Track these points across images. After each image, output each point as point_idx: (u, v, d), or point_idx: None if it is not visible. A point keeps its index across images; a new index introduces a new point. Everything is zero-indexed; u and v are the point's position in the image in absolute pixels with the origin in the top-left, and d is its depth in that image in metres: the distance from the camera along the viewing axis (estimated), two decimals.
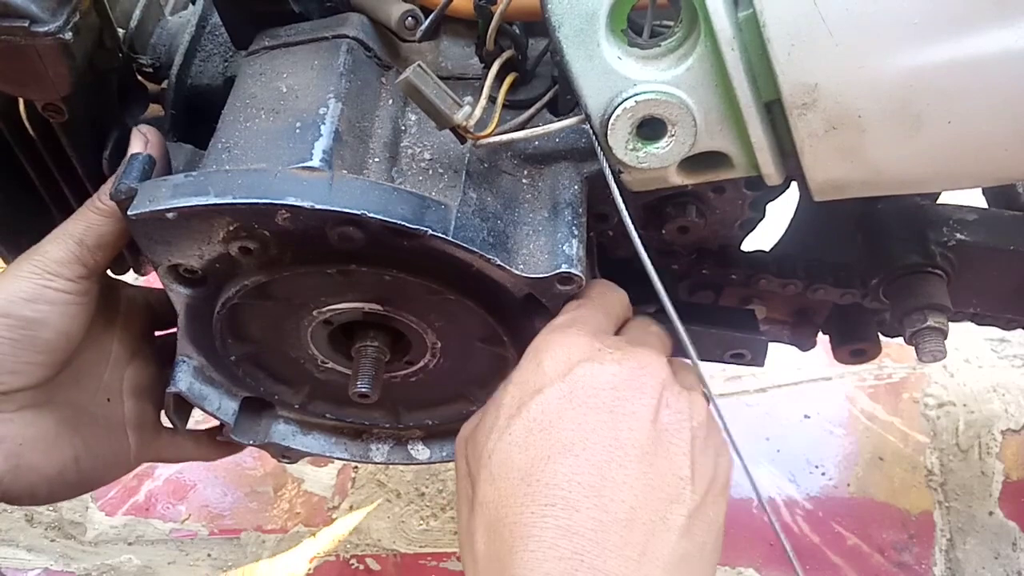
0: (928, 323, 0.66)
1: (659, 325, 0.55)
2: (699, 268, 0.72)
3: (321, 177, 0.48)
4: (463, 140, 0.52)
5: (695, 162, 0.51)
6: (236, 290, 0.54)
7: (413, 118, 0.57)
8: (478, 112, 0.51)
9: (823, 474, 1.10)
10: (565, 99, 0.57)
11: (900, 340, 0.70)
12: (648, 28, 0.49)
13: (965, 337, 1.19)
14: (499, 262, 0.50)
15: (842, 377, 1.19)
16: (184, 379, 0.61)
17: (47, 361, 0.56)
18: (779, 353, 0.83)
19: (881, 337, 0.80)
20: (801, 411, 1.16)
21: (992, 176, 0.55)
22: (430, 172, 0.54)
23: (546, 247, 0.52)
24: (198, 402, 0.63)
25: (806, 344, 0.84)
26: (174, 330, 0.60)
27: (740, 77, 0.45)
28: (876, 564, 1.01)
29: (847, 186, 0.51)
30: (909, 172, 0.49)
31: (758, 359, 0.76)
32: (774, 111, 0.47)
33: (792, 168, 0.50)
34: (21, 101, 0.61)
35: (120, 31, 0.60)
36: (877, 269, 0.69)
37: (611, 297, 0.54)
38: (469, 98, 0.51)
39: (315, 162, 0.49)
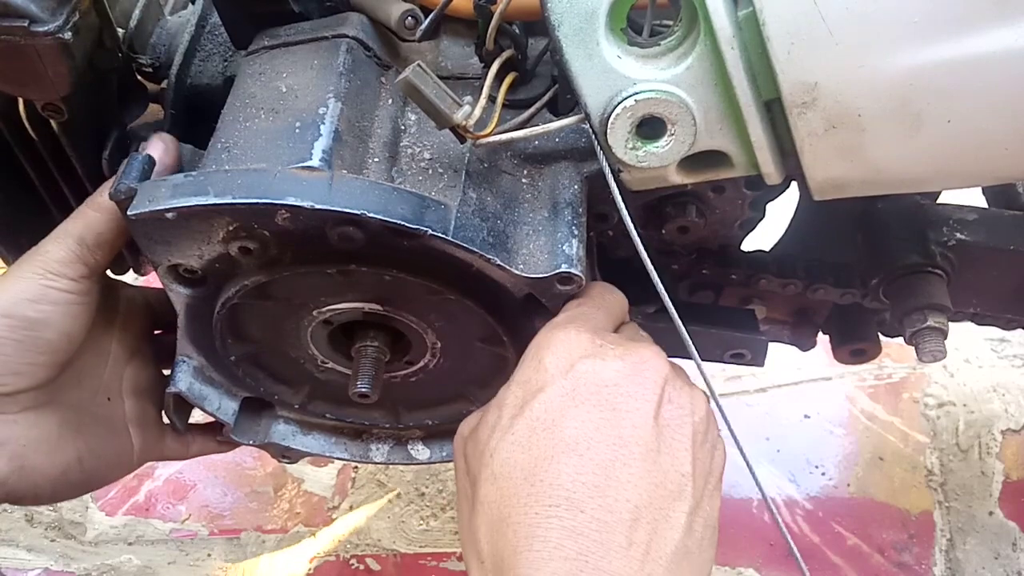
0: (928, 323, 0.66)
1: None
2: (699, 268, 0.72)
3: (321, 177, 0.48)
4: (463, 140, 0.52)
5: (695, 161, 0.51)
6: (236, 290, 0.54)
7: (413, 118, 0.57)
8: (478, 112, 0.51)
9: (823, 474, 1.10)
10: (565, 99, 0.57)
11: (900, 340, 0.70)
12: (648, 27, 0.49)
13: (965, 337, 1.19)
14: (499, 262, 0.50)
15: (842, 377, 1.19)
16: (184, 379, 0.61)
17: (49, 362, 0.56)
18: (779, 353, 0.83)
19: (881, 337, 0.80)
20: (801, 411, 1.16)
21: (992, 175, 0.55)
22: (430, 172, 0.54)
23: (546, 247, 0.52)
24: (198, 402, 0.63)
25: (806, 344, 0.84)
26: (173, 330, 0.60)
27: (740, 76, 0.45)
28: (876, 564, 1.01)
29: (847, 185, 0.51)
30: (909, 171, 0.49)
31: (758, 359, 0.76)
32: (774, 110, 0.47)
33: (792, 167, 0.50)
34: (21, 101, 0.61)
35: (120, 31, 0.60)
36: (877, 269, 0.69)
37: (611, 298, 0.54)
38: (469, 98, 0.51)
39: (315, 162, 0.49)
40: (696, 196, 0.63)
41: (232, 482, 1.15)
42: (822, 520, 1.05)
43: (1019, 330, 0.80)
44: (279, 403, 0.67)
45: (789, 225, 0.77)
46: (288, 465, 1.11)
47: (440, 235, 0.48)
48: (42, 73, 0.53)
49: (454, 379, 0.63)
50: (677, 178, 0.52)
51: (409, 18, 0.56)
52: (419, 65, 0.49)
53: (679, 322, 0.50)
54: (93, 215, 0.55)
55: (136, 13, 0.63)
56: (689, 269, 0.72)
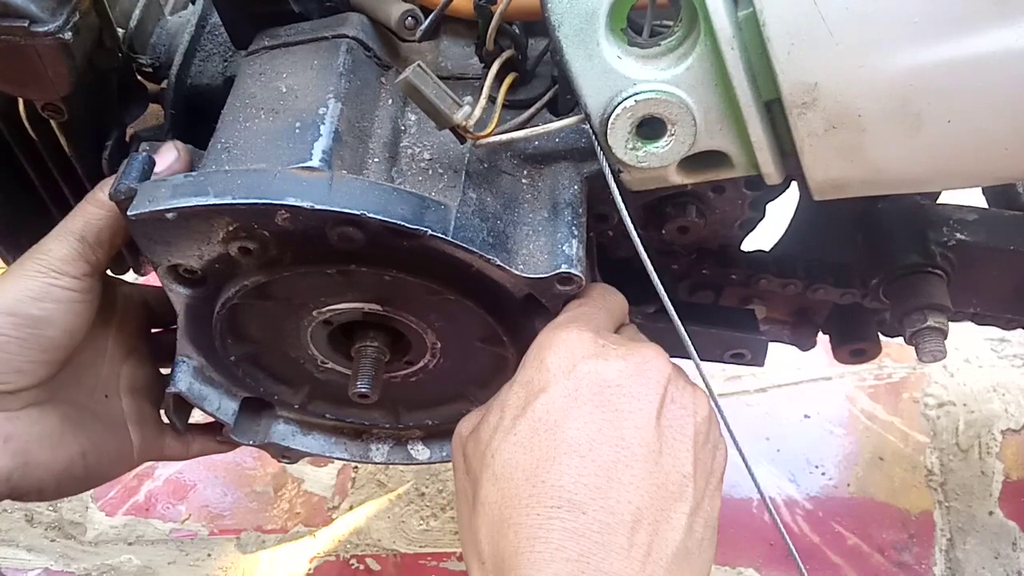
0: (928, 323, 0.66)
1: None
2: (699, 268, 0.72)
3: (321, 177, 0.48)
4: (463, 140, 0.52)
5: (695, 161, 0.51)
6: (236, 290, 0.54)
7: (413, 118, 0.57)
8: (478, 112, 0.51)
9: (823, 474, 1.10)
10: (565, 99, 0.57)
11: (900, 340, 0.70)
12: (648, 27, 0.49)
13: (965, 337, 1.19)
14: (499, 262, 0.50)
15: (842, 377, 1.19)
16: (184, 379, 0.61)
17: (51, 359, 0.56)
18: (779, 353, 0.83)
19: (881, 337, 0.80)
20: (801, 411, 1.16)
21: (992, 175, 0.55)
22: (430, 172, 0.54)
23: (546, 247, 0.52)
24: (198, 402, 0.63)
25: (806, 344, 0.84)
26: (170, 328, 0.60)
27: (740, 76, 0.45)
28: (876, 564, 1.01)
29: (847, 185, 0.51)
30: (909, 171, 0.49)
31: (758, 359, 0.76)
32: (774, 110, 0.47)
33: (792, 167, 0.50)
34: (21, 101, 0.61)
35: (120, 31, 0.60)
36: (877, 269, 0.69)
37: (611, 299, 0.54)
38: (469, 98, 0.51)
39: (315, 162, 0.49)
40: (696, 196, 0.63)
41: (232, 482, 1.15)
42: (822, 520, 1.05)
43: (1019, 330, 0.80)
44: (279, 403, 0.67)
45: (789, 225, 0.77)
46: (288, 465, 1.10)
47: (440, 235, 0.48)
48: (42, 73, 0.53)
49: (454, 379, 0.63)
50: (677, 178, 0.52)
51: (409, 18, 0.56)
52: (419, 65, 0.49)
53: (679, 322, 0.50)
54: (93, 211, 0.56)
55: (136, 13, 0.63)
56: (689, 269, 0.72)
